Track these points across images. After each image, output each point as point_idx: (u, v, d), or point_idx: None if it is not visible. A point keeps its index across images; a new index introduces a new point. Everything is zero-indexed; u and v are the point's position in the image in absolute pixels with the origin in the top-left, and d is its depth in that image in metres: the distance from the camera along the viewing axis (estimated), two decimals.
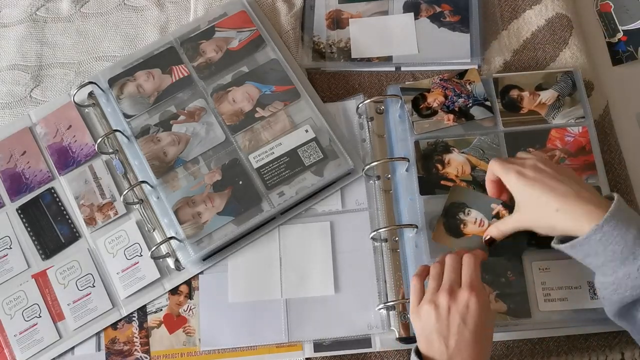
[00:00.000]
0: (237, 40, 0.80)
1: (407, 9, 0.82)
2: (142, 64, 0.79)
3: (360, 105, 0.76)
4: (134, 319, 0.71)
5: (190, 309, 0.71)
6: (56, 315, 0.71)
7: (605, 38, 0.83)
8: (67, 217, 0.75)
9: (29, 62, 0.87)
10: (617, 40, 0.82)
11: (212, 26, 0.81)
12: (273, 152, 0.74)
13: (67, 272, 0.72)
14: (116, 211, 0.75)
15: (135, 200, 0.74)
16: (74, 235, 0.74)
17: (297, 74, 0.77)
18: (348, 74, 0.81)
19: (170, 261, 0.72)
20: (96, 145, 0.75)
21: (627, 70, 0.81)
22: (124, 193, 0.73)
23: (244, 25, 0.80)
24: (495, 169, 0.62)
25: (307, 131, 0.74)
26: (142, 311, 0.71)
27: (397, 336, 0.67)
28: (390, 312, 0.68)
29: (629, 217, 0.54)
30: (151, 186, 0.74)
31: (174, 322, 0.71)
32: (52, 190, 0.76)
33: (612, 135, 0.75)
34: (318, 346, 0.68)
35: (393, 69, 0.80)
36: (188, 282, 0.72)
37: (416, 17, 0.81)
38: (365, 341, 0.68)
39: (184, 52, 0.79)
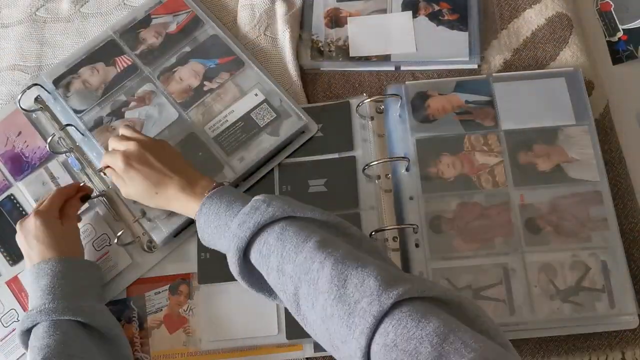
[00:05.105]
0: (175, 24, 0.82)
1: (405, 7, 0.82)
2: (85, 60, 0.81)
3: (360, 105, 0.76)
4: (134, 319, 0.71)
5: (190, 309, 0.71)
6: None
7: (606, 37, 0.83)
8: None
9: (29, 62, 0.87)
10: (617, 39, 0.82)
11: (147, 14, 0.83)
12: (227, 120, 0.76)
13: None
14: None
15: (97, 193, 0.75)
16: None
17: (237, 45, 0.80)
18: (348, 73, 0.81)
19: (140, 246, 0.73)
20: (47, 146, 0.76)
21: (628, 70, 0.81)
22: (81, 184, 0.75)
23: (179, 8, 0.83)
24: (106, 160, 0.68)
25: (256, 95, 0.76)
26: (142, 311, 0.71)
27: None
28: None
29: (221, 196, 0.60)
30: None
31: (174, 322, 0.71)
32: (12, 197, 0.77)
33: (613, 134, 0.75)
34: (318, 346, 0.68)
35: (391, 68, 0.80)
36: (188, 282, 0.72)
37: (414, 15, 0.81)
38: None
39: (125, 43, 0.81)
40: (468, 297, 0.45)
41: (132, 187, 0.66)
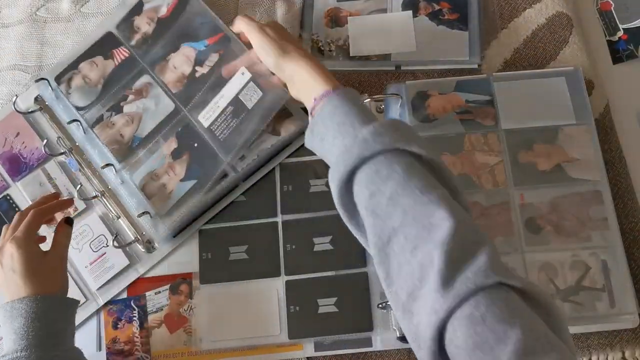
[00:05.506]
0: (165, 7, 0.81)
1: (405, 6, 0.82)
2: (84, 55, 0.80)
3: None
4: (134, 318, 0.71)
5: (190, 309, 0.71)
6: None
7: (606, 36, 0.83)
8: None
9: (29, 62, 0.87)
10: (617, 39, 0.82)
11: (139, 0, 0.82)
12: (218, 106, 0.74)
13: None
14: (76, 207, 0.75)
15: (94, 194, 0.75)
16: None
17: (225, 22, 0.78)
18: (349, 73, 0.81)
19: (139, 246, 0.73)
20: (43, 147, 0.76)
21: (628, 69, 0.81)
22: (78, 188, 0.75)
23: None
24: (240, 26, 0.69)
25: (243, 74, 0.74)
26: (143, 311, 0.72)
27: (398, 335, 0.67)
28: (391, 311, 0.68)
29: (353, 97, 0.58)
30: (115, 170, 0.74)
31: (175, 321, 0.71)
32: (8, 197, 0.77)
33: (613, 134, 0.75)
34: (318, 345, 0.69)
35: (391, 67, 0.80)
36: (189, 282, 0.72)
37: (415, 14, 0.81)
38: (366, 340, 0.68)
39: (121, 34, 0.81)
40: (562, 310, 0.48)
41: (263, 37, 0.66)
